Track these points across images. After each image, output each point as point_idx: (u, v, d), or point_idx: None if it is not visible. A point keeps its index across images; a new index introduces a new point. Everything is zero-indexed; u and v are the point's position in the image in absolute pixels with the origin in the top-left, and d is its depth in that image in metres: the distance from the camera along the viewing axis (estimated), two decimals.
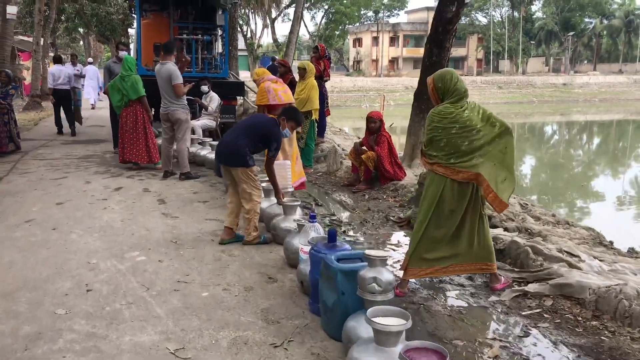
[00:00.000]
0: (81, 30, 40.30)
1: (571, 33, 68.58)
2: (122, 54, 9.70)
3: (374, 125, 6.77)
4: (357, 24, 67.49)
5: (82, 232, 5.13)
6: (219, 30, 11.47)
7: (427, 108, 8.48)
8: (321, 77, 9.05)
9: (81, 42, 49.34)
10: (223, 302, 3.62)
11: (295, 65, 12.34)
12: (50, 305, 3.55)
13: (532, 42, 71.35)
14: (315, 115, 8.18)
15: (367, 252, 2.87)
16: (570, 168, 15.57)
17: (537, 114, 35.28)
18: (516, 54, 66.92)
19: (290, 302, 3.63)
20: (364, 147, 6.99)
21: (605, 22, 71.48)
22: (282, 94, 6.59)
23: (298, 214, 4.85)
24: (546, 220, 5.66)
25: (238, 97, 11.35)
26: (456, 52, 67.36)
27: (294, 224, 4.48)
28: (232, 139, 4.62)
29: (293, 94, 9.48)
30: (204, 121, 9.77)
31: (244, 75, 28.77)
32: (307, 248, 3.88)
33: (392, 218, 5.62)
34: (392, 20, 69.32)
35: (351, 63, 72.20)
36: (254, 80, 7.17)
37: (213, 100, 9.79)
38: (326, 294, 3.13)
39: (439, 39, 7.92)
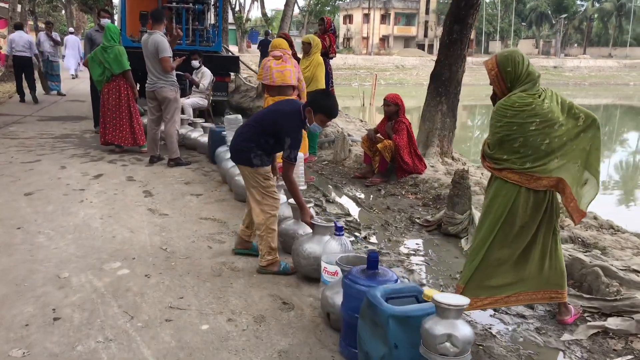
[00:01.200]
0: None
1: (564, 15, 68.12)
2: (105, 22, 8.70)
3: (390, 109, 5.96)
4: (348, 0, 66.10)
5: (52, 233, 4.28)
6: None
7: (445, 91, 7.72)
8: (326, 54, 8.17)
9: (63, 12, 47.39)
10: (228, 339, 2.83)
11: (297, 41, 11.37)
12: (3, 342, 2.73)
13: (523, 23, 70.65)
14: None
15: (437, 297, 2.09)
16: None
17: None
18: (508, 35, 66.41)
19: (314, 341, 2.85)
20: (379, 135, 6.19)
21: (597, 5, 71.12)
22: (276, 73, 5.75)
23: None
24: (588, 223, 4.93)
25: (231, 73, 10.41)
26: None
27: (306, 229, 3.71)
28: (239, 129, 3.77)
29: None
30: (195, 99, 8.86)
31: (233, 50, 27.59)
32: (332, 267, 3.11)
33: (417, 220, 4.85)
34: None
35: (341, 40, 70.86)
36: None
37: (205, 76, 8.87)
38: (370, 343, 2.36)
39: (460, 14, 7.08)
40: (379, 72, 35.85)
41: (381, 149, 5.83)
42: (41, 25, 29.33)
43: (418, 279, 3.70)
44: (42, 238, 4.18)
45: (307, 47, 7.24)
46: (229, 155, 6.12)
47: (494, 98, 2.93)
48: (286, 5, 15.73)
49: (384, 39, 68.13)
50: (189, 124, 8.12)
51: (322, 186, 6.05)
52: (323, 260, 3.21)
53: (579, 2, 71.68)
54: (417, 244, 4.38)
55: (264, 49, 16.95)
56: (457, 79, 7.35)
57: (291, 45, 8.66)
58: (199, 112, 9.06)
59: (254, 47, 54.75)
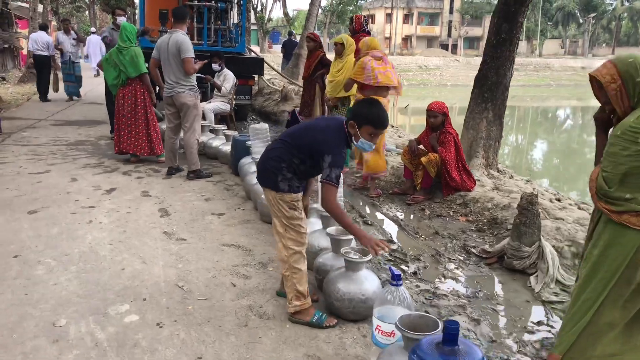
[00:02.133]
0: None
1: (592, 14, 66.60)
2: (121, 20, 8.22)
3: (437, 121, 5.29)
4: (370, 0, 65.46)
5: (53, 264, 3.71)
6: None
7: (492, 97, 6.99)
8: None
9: (87, 12, 47.46)
10: None
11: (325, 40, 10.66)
12: None
13: (549, 23, 69.25)
14: (352, 103, 6.70)
15: None
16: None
17: (554, 98, 33.65)
18: (534, 35, 65.17)
19: None
20: (421, 147, 5.53)
21: (627, 4, 69.50)
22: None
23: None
24: None
25: (255, 76, 9.81)
26: (472, 31, 65.65)
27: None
28: (270, 144, 3.14)
29: (315, 73, 8.03)
30: (217, 104, 8.28)
31: (255, 51, 27.01)
32: (388, 327, 2.48)
33: (473, 250, 4.17)
34: None
35: None
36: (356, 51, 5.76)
37: (227, 79, 8.29)
38: None
39: (510, 12, 6.37)
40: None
41: (425, 163, 5.17)
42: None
43: (487, 332, 3.03)
44: (41, 270, 3.61)
45: (339, 48, 6.61)
46: (253, 169, 5.56)
47: (607, 117, 2.26)
48: (311, 4, 15.14)
49: (406, 39, 67.54)
50: (210, 131, 7.54)
51: (357, 204, 5.41)
52: (376, 316, 2.57)
53: (607, 1, 70.06)
54: (477, 282, 3.70)
55: (289, 50, 16.37)
56: (504, 83, 6.63)
57: (320, 46, 8.07)
58: (220, 117, 8.49)
59: (275, 47, 54.48)
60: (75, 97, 12.95)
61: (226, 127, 7.47)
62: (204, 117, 8.14)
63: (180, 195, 5.48)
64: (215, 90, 8.40)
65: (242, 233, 4.43)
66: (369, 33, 7.61)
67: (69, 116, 10.61)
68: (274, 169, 2.96)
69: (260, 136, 5.31)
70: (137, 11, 25.63)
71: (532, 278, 3.65)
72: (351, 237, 3.28)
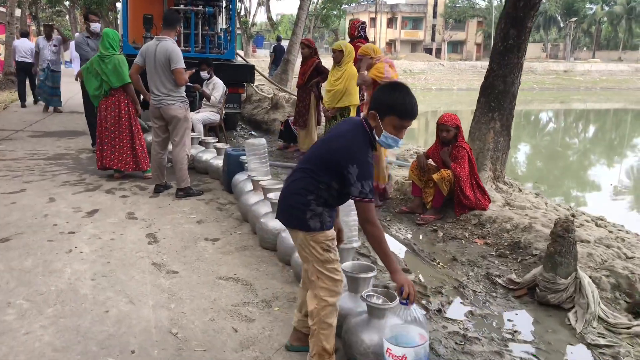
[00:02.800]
0: (67, 3, 37.76)
1: (574, 18, 67.29)
2: (95, 27, 7.71)
3: (449, 135, 4.90)
4: (354, 4, 65.35)
5: (26, 306, 3.23)
6: (223, 1, 9.45)
7: (499, 106, 6.60)
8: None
9: (67, 17, 46.54)
10: None
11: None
12: None
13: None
14: (353, 113, 6.30)
15: None
16: (597, 162, 13.92)
17: (537, 101, 33.74)
18: None
19: None
20: (431, 161, 5.14)
21: (607, 8, 70.40)
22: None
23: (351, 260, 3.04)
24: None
25: (245, 84, 9.36)
26: (456, 35, 65.84)
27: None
28: (289, 177, 2.66)
29: (311, 81, 7.62)
30: (206, 114, 7.82)
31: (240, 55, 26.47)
32: (399, 350, 2.11)
33: (499, 280, 3.77)
34: (390, 0, 67.75)
35: None
36: (368, 58, 5.35)
37: (217, 88, 7.83)
38: None
39: (518, 17, 6.03)
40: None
41: (438, 180, 4.77)
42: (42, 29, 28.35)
43: None
44: (12, 315, 3.12)
45: (338, 55, 6.20)
46: (249, 187, 5.12)
47: None
48: (300, 8, 14.74)
49: (390, 43, 67.62)
50: (200, 143, 7.07)
51: None
52: (386, 340, 2.20)
53: (588, 6, 70.83)
54: (509, 320, 3.30)
55: (279, 55, 15.94)
56: (512, 92, 6.28)
57: (315, 52, 7.66)
58: (209, 127, 8.02)
59: (260, 52, 53.99)
60: (53, 107, 11.99)
61: (216, 139, 7.01)
62: (193, 129, 7.69)
63: (169, 217, 5.01)
64: (204, 99, 7.94)
65: (240, 262, 3.98)
66: (366, 39, 7.23)
67: (48, 126, 10.05)
68: (300, 204, 2.50)
69: (256, 152, 4.87)
70: (119, 16, 24.99)
71: (570, 315, 3.26)
72: (372, 274, 2.86)
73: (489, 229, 4.60)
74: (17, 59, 12.55)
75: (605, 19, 70.28)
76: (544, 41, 72.41)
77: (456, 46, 69.07)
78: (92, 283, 3.57)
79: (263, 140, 4.93)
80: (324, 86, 6.75)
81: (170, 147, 5.79)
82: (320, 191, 2.48)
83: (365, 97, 6.34)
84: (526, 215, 4.76)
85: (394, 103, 2.41)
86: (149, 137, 6.52)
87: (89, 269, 3.79)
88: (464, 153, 4.82)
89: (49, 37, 11.50)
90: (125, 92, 6.07)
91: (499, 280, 3.75)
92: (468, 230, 4.69)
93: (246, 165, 5.15)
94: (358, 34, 7.15)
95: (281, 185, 4.47)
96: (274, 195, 4.18)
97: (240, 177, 5.48)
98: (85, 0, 27.57)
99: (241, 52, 36.68)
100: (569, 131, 21.52)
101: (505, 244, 4.32)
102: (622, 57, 64.90)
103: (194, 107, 8.17)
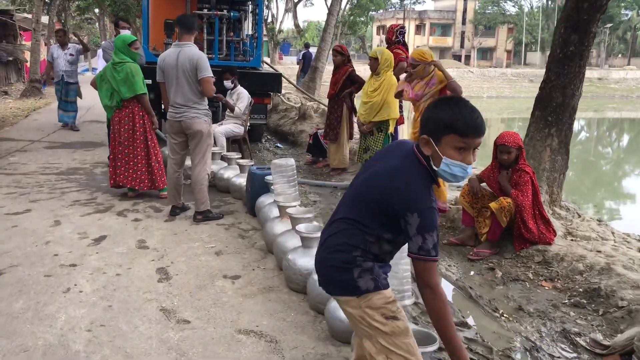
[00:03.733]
0: (96, 10, 37.96)
1: (608, 25, 65.67)
2: (125, 33, 7.20)
3: (510, 157, 4.21)
4: (381, 11, 64.87)
5: None
6: (249, 6, 8.90)
7: (557, 121, 5.82)
8: None
9: (96, 24, 46.93)
10: None
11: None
12: None
13: None
14: (392, 128, 5.65)
15: None
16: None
17: None
18: (548, 45, 64.14)
19: None
20: (484, 185, 4.45)
21: None
22: None
23: None
24: None
25: (272, 94, 8.77)
26: (485, 42, 64.68)
27: None
28: (324, 231, 2.04)
29: (343, 91, 7.02)
30: (229, 127, 7.24)
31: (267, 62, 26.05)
32: None
33: (580, 341, 3.06)
34: (419, 7, 67.11)
35: None
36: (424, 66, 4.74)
37: (241, 99, 7.26)
38: None
39: (581, 20, 5.30)
40: None
41: (496, 210, 4.07)
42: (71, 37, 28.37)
43: None
44: None
45: (374, 63, 5.57)
46: (275, 212, 4.51)
47: None
48: (329, 14, 14.17)
49: None
50: (222, 158, 6.50)
51: None
52: None
53: (623, 12, 69.06)
54: None
55: (307, 62, 15.38)
56: (572, 105, 5.55)
57: (348, 59, 7.04)
58: (232, 140, 7.44)
59: (286, 58, 53.75)
60: (75, 127, 10.47)
61: (240, 155, 6.41)
62: (214, 142, 7.15)
63: (184, 246, 4.42)
64: (227, 110, 7.37)
65: (264, 310, 3.35)
66: (404, 45, 6.58)
67: (66, 137, 9.61)
68: (343, 263, 1.90)
69: (284, 174, 4.25)
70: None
71: None
72: (432, 349, 2.20)
73: (557, 269, 3.89)
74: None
75: None
76: None
77: (486, 53, 67.89)
78: (87, 335, 2.98)
79: (291, 161, 4.31)
80: (359, 96, 6.14)
81: (188, 162, 5.22)
82: (369, 245, 1.88)
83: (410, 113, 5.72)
84: (599, 252, 4.03)
85: (451, 118, 1.81)
86: (166, 151, 5.98)
87: (86, 314, 3.21)
88: (527, 178, 4.13)
89: (63, 45, 9.98)
90: (139, 104, 5.53)
91: (581, 341, 3.04)
92: (531, 269, 3.98)
93: (272, 187, 4.54)
94: (396, 39, 6.50)
95: (311, 215, 3.85)
96: (305, 228, 3.56)
97: (265, 199, 4.88)
98: (114, 8, 27.55)
99: (267, 60, 36.35)
100: (601, 140, 20.86)
101: (580, 289, 3.60)
102: None
103: (216, 118, 7.63)
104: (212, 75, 4.90)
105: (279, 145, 9.35)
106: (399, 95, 5.07)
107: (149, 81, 7.40)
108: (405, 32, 6.55)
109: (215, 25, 8.11)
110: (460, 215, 4.67)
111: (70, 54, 9.91)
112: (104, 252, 4.24)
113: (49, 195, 5.80)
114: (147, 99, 5.50)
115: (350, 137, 7.16)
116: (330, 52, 15.10)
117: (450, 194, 5.44)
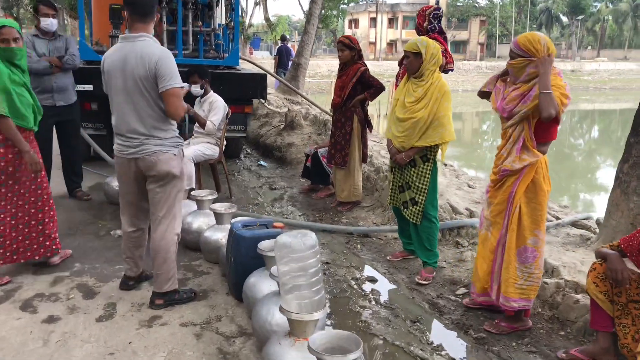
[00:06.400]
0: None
1: (580, 17, 65.77)
2: (48, 23, 5.12)
3: None
4: (353, 4, 63.59)
5: None
6: None
7: None
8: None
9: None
10: None
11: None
12: None
13: (534, 25, 68.15)
14: (444, 155, 3.84)
15: None
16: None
17: None
18: None
19: None
20: (628, 262, 2.67)
21: (611, 6, 69.17)
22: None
23: None
24: None
25: (255, 100, 6.83)
26: (459, 35, 63.60)
27: None
28: None
29: (353, 98, 5.24)
30: (198, 148, 5.32)
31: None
32: None
33: None
34: (390, 0, 66.15)
35: None
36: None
37: (215, 109, 5.34)
38: None
39: None
40: (389, 79, 32.56)
41: None
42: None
43: None
44: None
45: (414, 62, 3.70)
46: (278, 319, 2.52)
47: None
48: (312, 2, 12.28)
49: (391, 44, 66.24)
50: (189, 197, 4.58)
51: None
52: None
53: (592, 3, 69.25)
54: None
55: (284, 57, 13.46)
56: None
57: (359, 55, 5.22)
58: (201, 164, 5.53)
59: (257, 53, 51.65)
60: None
61: (215, 194, 4.48)
62: None
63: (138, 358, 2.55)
64: (196, 125, 5.46)
65: None
66: (441, 33, 4.75)
67: None
68: None
69: (297, 262, 2.40)
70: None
71: None
72: None
73: None
74: None
75: (609, 17, 68.85)
76: None
77: (459, 46, 67.02)
78: None
79: (310, 239, 2.43)
80: (375, 106, 4.32)
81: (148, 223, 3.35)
82: None
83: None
84: None
85: None
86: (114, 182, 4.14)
87: None
88: None
89: None
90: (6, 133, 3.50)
91: None
92: None
93: (273, 274, 2.69)
94: (429, 24, 4.67)
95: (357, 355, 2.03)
96: None
97: (260, 285, 3.04)
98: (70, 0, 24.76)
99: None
100: (574, 132, 20.71)
101: None
102: (628, 55, 63.41)
103: (182, 135, 5.72)
104: (181, 84, 3.06)
105: (262, 163, 7.46)
106: (484, 95, 3.28)
107: (89, 87, 5.52)
108: (441, 16, 4.71)
109: (178, 11, 6.17)
110: (586, 312, 2.91)
111: None
112: None
113: None
114: (11, 125, 3.47)
115: (364, 160, 5.34)
116: (311, 46, 13.24)
117: (560, 254, 3.63)
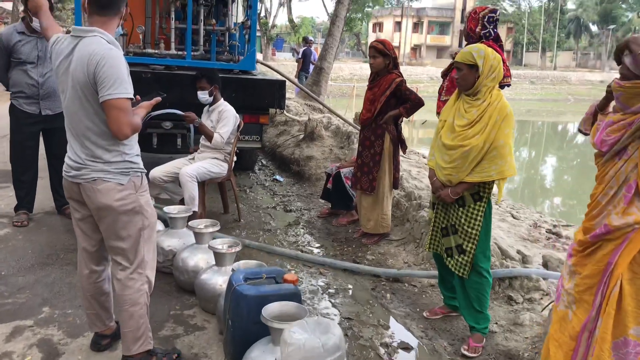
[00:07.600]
0: None
1: (611, 26, 64.36)
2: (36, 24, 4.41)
3: None
4: (379, 7, 63.05)
5: None
6: None
7: None
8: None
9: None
10: None
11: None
12: None
13: (562, 34, 66.93)
14: (501, 194, 3.07)
15: None
16: None
17: (570, 113, 31.40)
18: (550, 46, 63.23)
19: None
20: None
21: None
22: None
23: None
24: None
25: (272, 110, 6.07)
26: None
27: None
28: None
29: (386, 114, 4.49)
30: (203, 165, 4.62)
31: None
32: None
33: None
34: (417, 4, 65.58)
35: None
36: None
37: (225, 119, 4.63)
38: None
39: None
40: (412, 84, 31.84)
41: None
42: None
43: None
44: None
45: (467, 75, 2.95)
46: None
47: None
48: (339, 2, 11.56)
49: (415, 49, 65.74)
50: (187, 226, 3.86)
51: None
52: None
53: (624, 13, 67.73)
54: None
55: (307, 59, 12.76)
56: None
57: (395, 64, 4.45)
58: (207, 183, 4.82)
59: (279, 55, 51.08)
60: None
61: (216, 227, 3.74)
62: (176, 190, 4.60)
63: None
64: (202, 137, 4.76)
65: None
66: (497, 40, 3.97)
67: None
68: None
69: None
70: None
71: None
72: None
73: None
74: None
75: None
76: (574, 49, 69.50)
77: None
78: None
79: (333, 336, 1.69)
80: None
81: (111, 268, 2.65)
82: None
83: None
84: None
85: None
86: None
87: None
88: None
89: None
90: None
91: None
92: None
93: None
94: (484, 30, 3.90)
95: None
96: None
97: (261, 353, 2.31)
98: None
99: (260, 56, 33.30)
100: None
101: None
102: None
103: (186, 149, 5.05)
104: (127, 94, 2.33)
105: (278, 178, 6.73)
106: (586, 128, 2.50)
107: None
108: (497, 20, 3.95)
109: (188, 7, 5.47)
110: None
111: None
112: None
113: None
114: None
115: (395, 186, 4.58)
116: (336, 49, 12.51)
117: None
